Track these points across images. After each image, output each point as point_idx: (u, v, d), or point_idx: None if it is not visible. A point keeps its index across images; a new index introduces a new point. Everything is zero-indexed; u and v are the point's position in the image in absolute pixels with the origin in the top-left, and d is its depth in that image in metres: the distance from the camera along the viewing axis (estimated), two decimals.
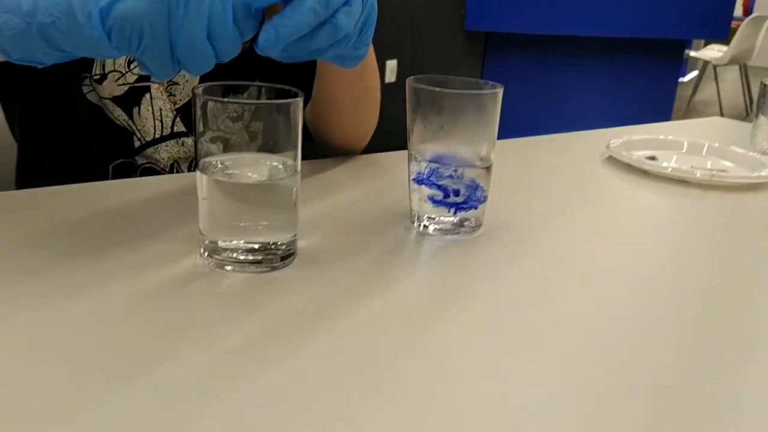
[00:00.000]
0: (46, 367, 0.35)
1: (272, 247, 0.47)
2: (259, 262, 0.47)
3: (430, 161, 0.55)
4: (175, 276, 0.45)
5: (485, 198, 0.56)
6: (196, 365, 0.36)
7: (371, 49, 0.72)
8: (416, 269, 0.50)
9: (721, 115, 4.94)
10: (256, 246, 0.47)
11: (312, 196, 0.63)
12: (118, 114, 0.72)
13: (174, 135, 0.74)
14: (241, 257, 0.47)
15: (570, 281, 0.49)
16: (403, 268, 0.50)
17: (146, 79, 0.72)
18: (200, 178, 0.46)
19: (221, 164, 0.47)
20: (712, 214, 0.68)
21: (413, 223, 0.57)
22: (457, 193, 0.54)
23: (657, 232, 0.62)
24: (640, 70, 3.71)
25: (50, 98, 0.71)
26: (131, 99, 0.72)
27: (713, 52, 5.16)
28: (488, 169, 0.55)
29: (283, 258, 0.48)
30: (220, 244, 0.47)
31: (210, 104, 0.44)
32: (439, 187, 0.55)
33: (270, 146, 0.47)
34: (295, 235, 0.49)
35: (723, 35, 3.81)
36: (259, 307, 0.42)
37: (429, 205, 0.56)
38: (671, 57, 3.82)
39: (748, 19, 4.74)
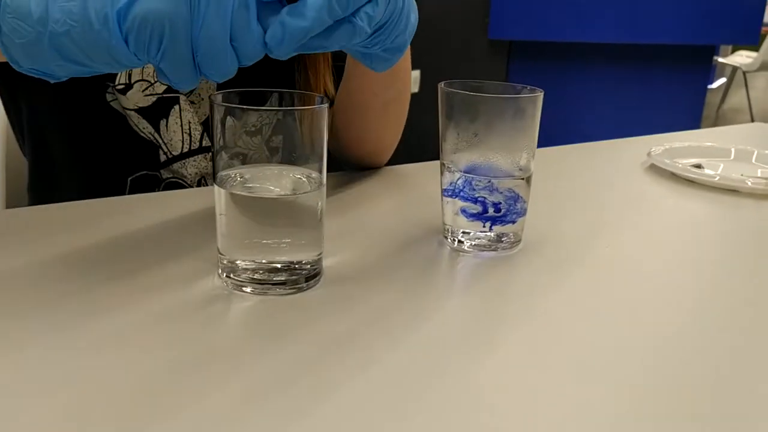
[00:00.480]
0: (52, 400, 0.31)
1: (296, 266, 0.44)
2: (282, 283, 0.43)
3: (465, 172, 0.51)
4: (192, 299, 0.42)
5: (524, 211, 0.52)
6: (213, 404, 0.32)
7: (407, 54, 0.69)
8: (452, 290, 0.46)
9: (752, 121, 4.83)
10: (279, 265, 0.43)
11: (336, 210, 0.59)
12: (143, 126, 0.69)
13: (202, 149, 0.71)
14: (263, 278, 0.43)
15: (618, 303, 0.45)
16: (437, 289, 0.46)
17: (176, 89, 0.69)
18: (218, 193, 0.43)
19: (240, 177, 0.43)
20: (767, 224, 0.63)
21: (446, 238, 0.53)
22: (495, 206, 0.50)
23: (709, 245, 0.57)
24: (668, 77, 3.63)
25: (66, 105, 0.68)
26: (159, 111, 0.69)
27: (742, 58, 5.06)
28: (528, 179, 0.51)
29: (308, 278, 0.44)
30: (239, 263, 0.43)
31: (228, 120, 0.41)
32: (474, 199, 0.51)
33: (293, 158, 0.43)
34: (320, 254, 0.45)
35: (753, 40, 3.72)
36: (282, 333, 0.39)
37: (464, 219, 0.51)
38: (700, 63, 3.74)
39: None
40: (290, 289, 0.43)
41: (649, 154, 0.78)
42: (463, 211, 0.51)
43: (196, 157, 0.71)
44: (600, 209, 0.64)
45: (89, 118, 0.68)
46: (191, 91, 0.70)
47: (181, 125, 0.70)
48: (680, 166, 0.74)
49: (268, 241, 0.43)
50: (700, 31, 3.50)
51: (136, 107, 0.68)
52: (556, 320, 0.42)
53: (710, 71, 4.03)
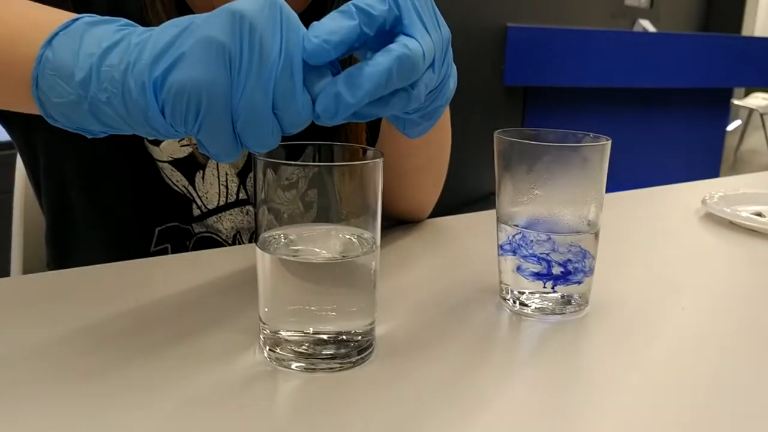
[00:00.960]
0: None
1: (346, 338, 0.39)
2: (331, 357, 0.38)
3: (524, 227, 0.46)
4: (230, 378, 0.37)
5: (592, 270, 0.47)
6: None
7: (445, 116, 0.65)
8: (517, 361, 0.41)
9: None
10: (326, 337, 0.38)
11: (381, 271, 0.54)
12: (177, 179, 0.65)
13: (239, 203, 0.67)
14: (309, 351, 0.38)
15: (702, 374, 0.39)
16: (501, 360, 0.41)
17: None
18: (260, 256, 0.38)
19: (285, 239, 0.39)
20: None
21: (505, 299, 0.48)
22: (560, 264, 0.45)
23: None
24: (686, 121, 3.60)
25: (88, 153, 0.64)
26: (195, 162, 0.64)
27: (758, 100, 5.04)
28: (596, 234, 0.47)
29: (360, 351, 0.39)
30: (283, 334, 0.39)
31: (269, 173, 0.37)
32: (537, 257, 0.46)
33: (343, 216, 0.39)
34: (373, 322, 0.40)
35: None
36: (333, 419, 0.34)
37: (525, 279, 0.47)
38: (717, 106, 3.71)
39: None
40: (340, 364, 0.38)
41: (703, 201, 0.73)
42: (524, 269, 0.46)
43: (232, 210, 0.67)
44: (664, 264, 0.59)
45: (115, 167, 0.64)
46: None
47: (218, 177, 0.66)
48: (744, 215, 0.69)
49: (315, 309, 0.38)
50: (718, 75, 3.49)
51: (170, 159, 0.64)
52: (642, 394, 0.37)
53: (728, 114, 4.00)
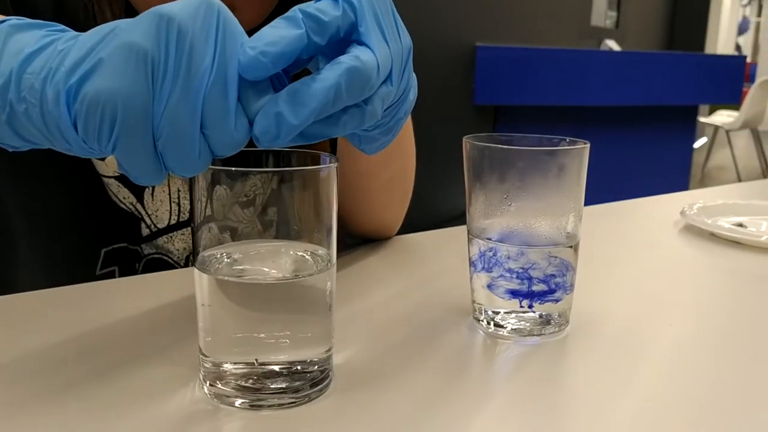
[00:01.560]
0: None
1: (299, 369, 0.34)
2: (281, 391, 0.34)
3: (498, 240, 0.42)
4: (163, 419, 0.32)
5: (572, 286, 0.43)
6: None
7: (407, 129, 0.61)
8: (491, 388, 0.37)
9: (739, 180, 4.84)
10: (277, 368, 0.34)
11: (340, 292, 0.50)
12: (123, 196, 0.60)
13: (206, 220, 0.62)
14: (256, 386, 0.33)
15: (696, 397, 0.36)
16: (474, 388, 0.36)
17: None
18: (199, 278, 0.34)
19: (228, 258, 0.34)
20: None
21: (478, 321, 0.44)
22: (540, 281, 0.41)
23: None
24: (654, 138, 3.63)
25: (25, 168, 0.59)
26: None
27: (723, 117, 5.12)
28: (575, 247, 0.43)
29: (314, 383, 0.35)
30: (227, 367, 0.34)
31: (216, 189, 0.32)
32: (511, 273, 0.42)
33: (294, 231, 0.34)
34: (330, 350, 0.36)
35: (736, 99, 3.76)
36: None
37: (499, 298, 0.42)
38: (684, 124, 3.76)
39: (756, 83, 4.71)
40: (292, 399, 0.34)
41: (683, 213, 0.70)
42: (498, 287, 0.42)
43: (185, 230, 0.62)
44: (645, 278, 0.56)
45: (55, 183, 0.59)
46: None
47: (170, 193, 0.61)
48: (726, 226, 0.66)
49: (264, 337, 0.34)
50: (684, 92, 3.53)
51: (116, 174, 0.59)
52: (631, 421, 0.32)
53: (694, 131, 4.05)
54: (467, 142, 0.42)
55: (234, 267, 0.34)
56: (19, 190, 0.60)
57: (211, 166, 0.31)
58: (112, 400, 0.34)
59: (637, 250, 0.64)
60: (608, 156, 3.51)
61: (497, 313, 0.43)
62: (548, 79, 3.20)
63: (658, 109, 3.54)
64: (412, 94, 0.37)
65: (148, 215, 0.60)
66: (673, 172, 3.71)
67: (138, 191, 0.60)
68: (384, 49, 0.31)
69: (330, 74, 0.29)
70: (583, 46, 4.13)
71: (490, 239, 0.42)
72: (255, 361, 0.33)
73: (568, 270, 0.42)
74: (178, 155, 0.28)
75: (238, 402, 0.33)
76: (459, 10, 3.07)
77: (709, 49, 5.75)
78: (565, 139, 0.43)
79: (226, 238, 0.34)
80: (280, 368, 0.34)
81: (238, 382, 0.33)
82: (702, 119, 5.21)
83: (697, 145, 6.28)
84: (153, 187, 0.60)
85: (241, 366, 0.33)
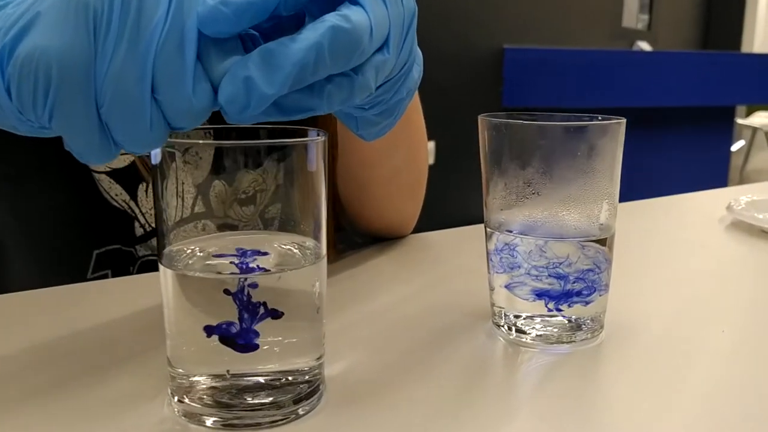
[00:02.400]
0: None
1: (283, 380, 0.29)
2: (262, 407, 0.28)
3: (519, 233, 0.36)
4: None
5: (607, 286, 0.37)
6: None
7: (413, 114, 0.55)
8: (513, 404, 0.31)
9: None
10: (258, 380, 0.29)
11: (342, 294, 0.45)
12: (116, 193, 0.55)
13: (194, 217, 0.57)
14: (233, 401, 0.28)
15: (758, 411, 0.29)
16: (493, 404, 0.31)
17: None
18: (165, 276, 0.29)
19: (201, 252, 0.30)
20: None
21: (498, 326, 0.38)
22: (568, 279, 0.36)
23: None
24: (690, 141, 3.52)
25: (9, 161, 0.55)
26: (137, 173, 0.55)
27: (762, 118, 4.97)
28: (609, 241, 0.37)
29: (301, 398, 0.29)
30: (196, 379, 0.29)
31: (178, 168, 0.28)
32: (536, 271, 0.36)
33: (277, 219, 0.29)
34: (320, 358, 0.31)
35: None
36: None
37: (522, 300, 0.37)
38: (721, 125, 3.63)
39: None
40: (274, 416, 0.29)
41: (729, 208, 0.64)
42: (520, 287, 0.37)
43: (186, 226, 0.57)
44: (691, 279, 0.49)
45: (42, 178, 0.55)
46: (187, 149, 0.56)
47: (176, 187, 0.56)
48: None
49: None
50: (719, 93, 3.42)
51: (107, 169, 0.55)
52: None
53: (731, 133, 3.93)
54: (483, 120, 0.37)
55: (207, 262, 0.29)
56: (6, 188, 0.56)
57: (170, 140, 0.27)
58: (66, 417, 0.29)
59: (678, 248, 0.58)
60: (641, 160, 3.40)
61: (519, 317, 0.37)
62: (578, 81, 3.12)
63: (694, 110, 3.43)
64: (417, 72, 0.32)
65: (142, 213, 0.56)
66: (709, 176, 3.59)
67: (131, 187, 0.55)
68: (380, 10, 0.26)
69: (311, 33, 0.24)
70: (615, 48, 4.03)
71: (510, 232, 0.37)
72: (226, 372, 0.28)
73: (602, 267, 0.36)
74: (126, 124, 0.24)
75: (209, 421, 0.28)
76: (486, 12, 3.01)
77: (745, 48, 5.58)
78: (597, 117, 0.37)
79: (199, 230, 0.29)
80: (259, 380, 0.29)
81: (211, 397, 0.28)
82: (740, 121, 5.06)
83: (734, 147, 6.11)
84: (147, 183, 0.56)
85: (211, 378, 0.28)
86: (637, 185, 3.37)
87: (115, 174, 0.55)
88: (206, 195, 0.32)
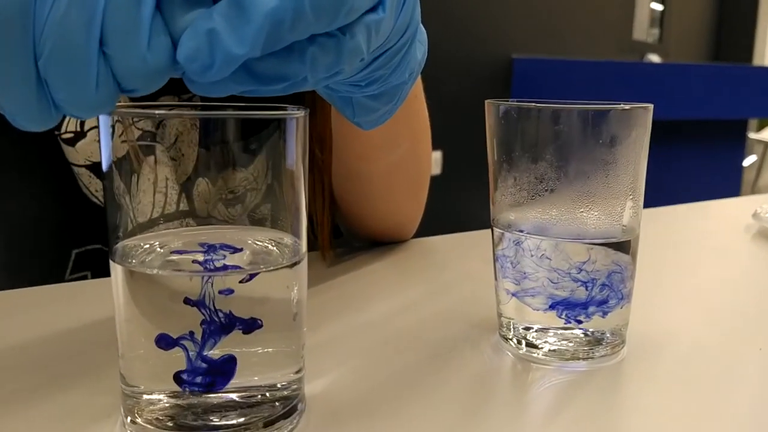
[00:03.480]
0: None
1: (257, 397, 0.25)
2: (228, 428, 0.24)
3: (530, 233, 0.32)
4: None
5: (628, 295, 0.33)
6: None
7: (415, 105, 0.51)
8: (523, 428, 0.27)
9: None
10: (234, 396, 0.24)
11: (331, 302, 0.41)
12: (96, 188, 0.51)
13: (180, 214, 0.53)
14: (195, 422, 0.24)
15: None
16: (500, 427, 0.26)
17: (149, 135, 0.51)
18: (116, 274, 0.25)
19: (161, 247, 0.26)
20: None
21: (506, 339, 0.34)
22: (586, 286, 0.31)
23: None
24: (701, 154, 3.47)
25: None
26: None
27: None
28: (632, 245, 0.33)
29: (274, 419, 0.25)
30: (153, 397, 0.25)
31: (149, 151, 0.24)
32: (549, 276, 0.32)
33: (253, 214, 0.25)
34: (299, 371, 0.26)
35: None
36: None
37: (532, 310, 0.33)
38: (733, 139, 3.58)
39: None
40: None
41: (755, 215, 0.59)
42: (531, 295, 0.32)
43: (170, 224, 0.53)
44: (718, 290, 0.45)
45: (19, 173, 0.51)
46: (173, 143, 0.52)
47: (155, 182, 0.52)
48: None
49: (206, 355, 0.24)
50: (731, 106, 3.37)
51: (87, 162, 0.51)
52: None
53: (743, 147, 3.87)
54: (491, 105, 0.33)
55: (168, 259, 0.25)
56: None
57: (121, 108, 0.23)
58: None
59: (704, 256, 0.53)
60: (651, 174, 3.35)
61: (530, 329, 0.33)
62: (588, 93, 3.08)
63: (705, 124, 3.38)
64: (420, 52, 0.28)
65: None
66: (721, 191, 3.53)
67: None
68: None
69: None
70: (625, 60, 3.99)
71: (520, 232, 0.32)
72: (184, 388, 0.24)
73: (624, 273, 0.32)
74: (68, 81, 0.20)
75: None
76: (495, 22, 2.99)
77: (757, 61, 5.53)
78: (619, 103, 0.33)
79: (156, 220, 0.25)
80: (230, 397, 0.25)
81: (168, 416, 0.24)
82: (751, 135, 5.00)
83: (746, 162, 6.05)
84: (137, 176, 0.51)
85: (169, 396, 0.24)
86: (647, 200, 3.30)
87: (95, 168, 0.51)
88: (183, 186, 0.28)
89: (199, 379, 0.24)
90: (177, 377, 0.23)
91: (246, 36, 0.20)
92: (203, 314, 0.23)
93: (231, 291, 0.24)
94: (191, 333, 0.23)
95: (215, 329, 0.23)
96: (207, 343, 0.23)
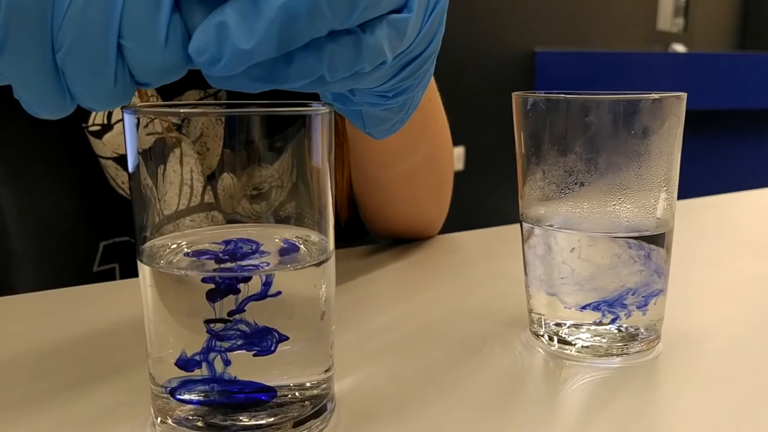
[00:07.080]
0: None
1: (286, 397, 0.25)
2: (257, 428, 0.24)
3: (560, 228, 0.32)
4: None
5: (664, 290, 0.32)
6: None
7: (430, 105, 0.50)
8: (555, 427, 0.26)
9: None
10: (256, 397, 0.24)
11: (364, 300, 0.40)
12: (123, 180, 0.52)
13: (205, 207, 0.53)
14: (225, 422, 0.24)
15: None
16: (532, 426, 0.26)
17: (176, 127, 0.50)
18: (144, 276, 0.25)
19: (187, 247, 0.25)
20: None
21: (537, 335, 0.33)
22: (620, 281, 0.31)
23: None
24: (729, 145, 3.40)
25: (12, 147, 0.51)
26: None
27: None
28: (667, 238, 0.32)
29: (304, 418, 0.25)
30: (182, 397, 0.24)
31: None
32: (582, 273, 0.31)
33: (280, 212, 0.25)
34: (329, 370, 0.26)
35: None
36: None
37: (565, 306, 0.32)
38: (764, 128, 3.51)
39: None
40: None
41: None
42: (561, 291, 0.32)
43: (196, 216, 0.53)
44: (759, 284, 0.44)
45: (48, 166, 0.51)
46: (199, 137, 0.52)
47: (182, 174, 0.52)
48: None
49: (233, 353, 0.24)
50: (761, 95, 3.30)
51: (114, 154, 0.51)
52: None
53: None
54: (518, 98, 0.32)
55: (194, 259, 0.25)
56: (9, 175, 0.52)
57: (140, 104, 0.23)
58: None
59: (740, 249, 0.52)
60: (681, 165, 3.29)
61: (562, 325, 0.32)
62: (612, 85, 3.03)
63: (733, 113, 3.31)
64: (433, 46, 0.27)
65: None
66: (751, 182, 3.46)
67: None
68: None
69: None
70: (649, 51, 3.93)
71: (551, 227, 0.32)
72: (212, 388, 0.23)
73: (658, 268, 0.31)
74: (86, 75, 0.20)
75: None
76: (517, 14, 2.96)
77: None
78: (651, 93, 0.32)
79: (186, 223, 0.25)
80: (252, 397, 0.24)
81: (198, 417, 0.24)
82: None
83: None
84: (164, 166, 0.52)
85: (200, 394, 0.24)
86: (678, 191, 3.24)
87: (122, 160, 0.51)
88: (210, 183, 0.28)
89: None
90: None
91: (256, 30, 0.19)
92: (229, 318, 0.23)
93: (258, 292, 0.23)
94: (218, 334, 0.23)
95: (241, 333, 0.23)
96: (234, 344, 0.23)
